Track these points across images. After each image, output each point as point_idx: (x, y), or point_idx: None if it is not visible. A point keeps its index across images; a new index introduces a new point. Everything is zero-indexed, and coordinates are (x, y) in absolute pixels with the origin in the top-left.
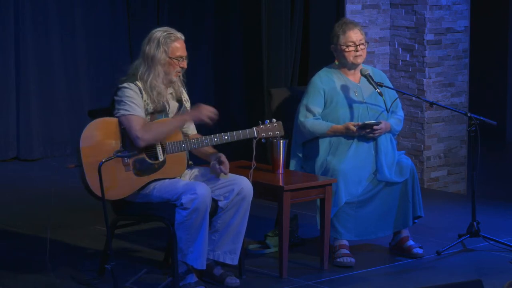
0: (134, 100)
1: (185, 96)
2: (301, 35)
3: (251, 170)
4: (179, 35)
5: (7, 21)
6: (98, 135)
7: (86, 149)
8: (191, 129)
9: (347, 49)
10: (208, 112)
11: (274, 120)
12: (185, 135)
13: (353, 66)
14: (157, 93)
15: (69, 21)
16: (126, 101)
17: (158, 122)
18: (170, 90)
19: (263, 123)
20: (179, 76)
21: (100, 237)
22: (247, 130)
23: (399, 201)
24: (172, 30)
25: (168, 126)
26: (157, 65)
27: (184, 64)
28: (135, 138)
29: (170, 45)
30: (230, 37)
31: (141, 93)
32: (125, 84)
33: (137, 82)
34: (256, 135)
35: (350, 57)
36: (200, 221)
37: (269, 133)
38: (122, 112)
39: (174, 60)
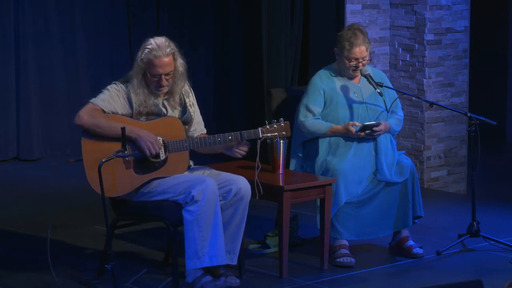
0: (110, 97)
1: (190, 101)
2: (301, 35)
3: (257, 172)
4: (164, 51)
5: (7, 21)
6: None
7: (87, 143)
8: (198, 131)
9: (348, 63)
10: (149, 141)
11: (281, 119)
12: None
13: (351, 75)
14: (144, 97)
15: (69, 21)
16: (101, 93)
17: (110, 116)
18: (167, 96)
19: (269, 123)
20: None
21: (100, 237)
22: (251, 130)
23: (399, 201)
24: (158, 46)
25: (112, 124)
26: (137, 73)
27: (164, 81)
28: (77, 115)
29: (147, 61)
30: (230, 37)
31: (128, 95)
32: (114, 82)
33: (128, 84)
34: (261, 135)
35: (350, 69)
36: (212, 213)
37: (275, 133)
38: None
39: (149, 76)
